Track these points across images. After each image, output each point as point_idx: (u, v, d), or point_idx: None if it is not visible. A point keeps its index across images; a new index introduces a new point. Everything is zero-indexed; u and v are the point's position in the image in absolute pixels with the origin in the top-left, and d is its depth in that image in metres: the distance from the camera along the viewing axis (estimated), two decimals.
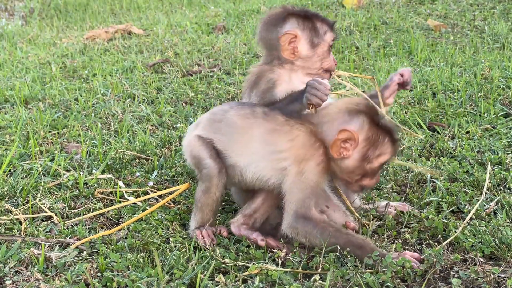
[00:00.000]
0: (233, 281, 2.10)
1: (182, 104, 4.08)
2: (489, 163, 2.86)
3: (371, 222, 2.47)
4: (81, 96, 4.30)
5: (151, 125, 3.73)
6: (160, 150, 3.29)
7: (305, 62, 2.56)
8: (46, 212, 2.66)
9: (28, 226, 2.55)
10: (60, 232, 2.51)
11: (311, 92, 2.27)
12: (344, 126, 2.21)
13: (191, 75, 4.71)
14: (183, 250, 2.31)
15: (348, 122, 2.22)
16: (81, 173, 3.02)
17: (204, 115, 2.55)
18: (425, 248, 2.32)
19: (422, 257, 2.21)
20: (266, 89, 2.49)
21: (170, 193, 2.79)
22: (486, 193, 2.68)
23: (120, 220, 2.65)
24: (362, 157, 2.22)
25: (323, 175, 2.26)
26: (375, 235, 2.44)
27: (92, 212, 2.68)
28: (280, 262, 2.19)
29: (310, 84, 2.29)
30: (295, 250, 2.28)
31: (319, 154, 2.24)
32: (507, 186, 2.74)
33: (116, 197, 2.79)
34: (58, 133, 3.63)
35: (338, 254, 2.17)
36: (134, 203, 2.75)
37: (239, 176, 2.39)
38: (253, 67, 2.66)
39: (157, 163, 3.12)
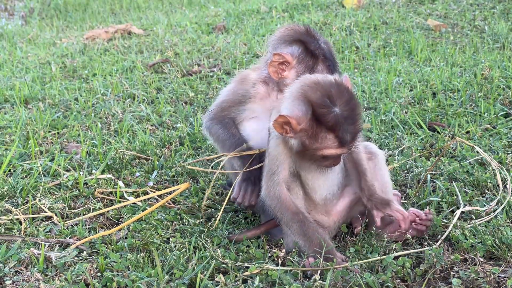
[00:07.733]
0: (233, 281, 2.10)
1: (182, 104, 4.08)
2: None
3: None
4: (81, 96, 4.30)
5: (151, 125, 3.73)
6: (160, 150, 3.29)
7: (286, 86, 2.56)
8: (46, 212, 2.66)
9: (28, 226, 2.55)
10: (60, 232, 2.51)
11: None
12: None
13: (191, 75, 4.71)
14: (183, 250, 2.31)
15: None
16: (81, 173, 3.02)
17: None
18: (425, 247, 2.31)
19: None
20: (237, 100, 2.55)
21: (170, 193, 2.79)
22: (486, 193, 2.69)
23: (120, 220, 2.65)
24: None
25: None
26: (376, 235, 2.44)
27: (92, 212, 2.68)
28: (280, 262, 2.19)
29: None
30: (294, 250, 2.28)
31: None
32: (507, 186, 2.73)
33: (116, 197, 2.79)
34: (58, 133, 3.63)
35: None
36: (134, 203, 2.75)
37: None
38: (246, 69, 2.70)
39: (157, 163, 3.11)
